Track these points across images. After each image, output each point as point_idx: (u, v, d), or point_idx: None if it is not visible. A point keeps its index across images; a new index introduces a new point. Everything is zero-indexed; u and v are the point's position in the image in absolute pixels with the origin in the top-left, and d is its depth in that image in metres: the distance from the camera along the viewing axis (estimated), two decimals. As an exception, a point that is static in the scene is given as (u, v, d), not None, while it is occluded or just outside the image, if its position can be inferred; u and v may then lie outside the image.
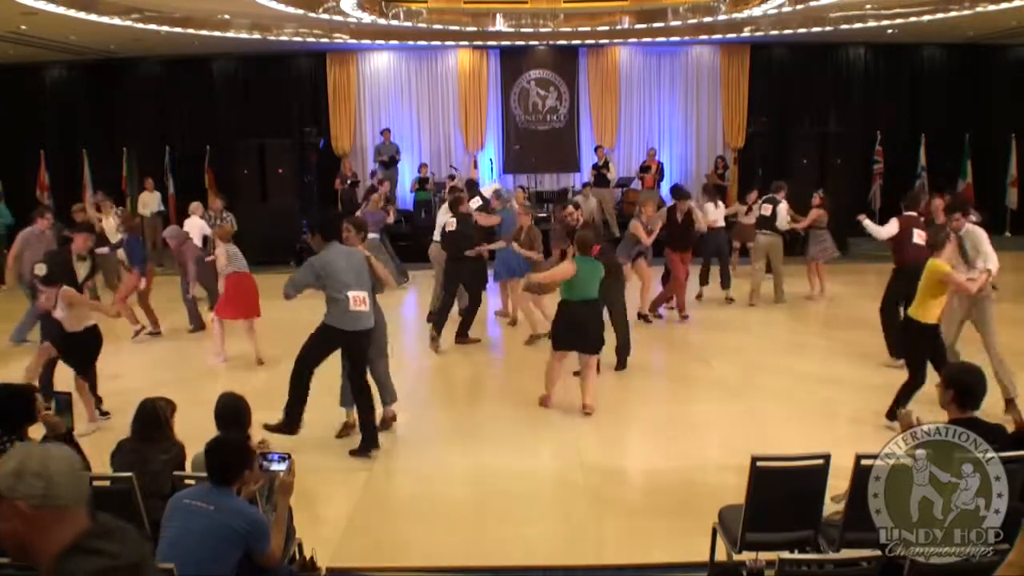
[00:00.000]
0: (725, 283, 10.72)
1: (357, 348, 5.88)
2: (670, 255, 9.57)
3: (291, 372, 5.85)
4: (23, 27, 12.04)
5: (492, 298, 10.32)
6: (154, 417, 4.01)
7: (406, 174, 15.81)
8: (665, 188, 14.45)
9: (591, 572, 4.36)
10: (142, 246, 9.59)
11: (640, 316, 9.46)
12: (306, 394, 5.86)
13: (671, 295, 9.74)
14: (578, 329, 6.52)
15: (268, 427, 5.67)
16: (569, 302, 6.54)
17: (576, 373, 6.92)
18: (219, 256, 8.31)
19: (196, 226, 10.28)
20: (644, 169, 15.29)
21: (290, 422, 5.82)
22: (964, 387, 3.62)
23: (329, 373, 6.06)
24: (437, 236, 9.60)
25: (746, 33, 14.98)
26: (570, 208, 8.25)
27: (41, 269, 6.63)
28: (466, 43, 15.94)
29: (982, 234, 6.61)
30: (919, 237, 7.39)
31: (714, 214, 10.64)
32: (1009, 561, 2.48)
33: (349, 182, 15.27)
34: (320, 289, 5.77)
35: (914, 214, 7.81)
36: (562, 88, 16.43)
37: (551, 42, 15.98)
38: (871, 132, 16.00)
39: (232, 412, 3.92)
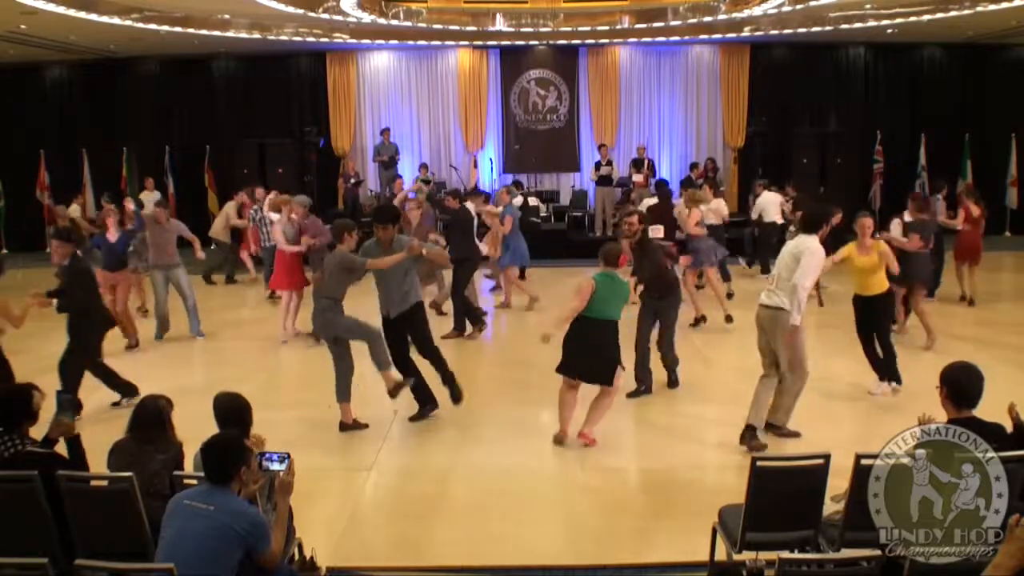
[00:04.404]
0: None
1: None
2: None
3: (432, 360, 6.60)
4: (23, 27, 12.04)
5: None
6: (156, 416, 3.97)
7: (406, 174, 15.78)
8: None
9: (591, 572, 4.35)
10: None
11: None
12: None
13: None
14: (590, 353, 5.68)
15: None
16: (586, 320, 5.63)
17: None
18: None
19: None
20: (636, 164, 14.55)
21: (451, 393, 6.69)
22: (955, 385, 3.64)
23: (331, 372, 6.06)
24: None
25: (746, 33, 14.98)
26: (634, 217, 7.05)
27: None
28: (466, 43, 15.94)
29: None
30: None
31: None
32: (995, 563, 2.48)
33: (352, 181, 15.26)
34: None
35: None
36: (562, 88, 16.43)
37: (551, 42, 15.98)
38: (871, 132, 15.99)
39: (233, 410, 3.89)
